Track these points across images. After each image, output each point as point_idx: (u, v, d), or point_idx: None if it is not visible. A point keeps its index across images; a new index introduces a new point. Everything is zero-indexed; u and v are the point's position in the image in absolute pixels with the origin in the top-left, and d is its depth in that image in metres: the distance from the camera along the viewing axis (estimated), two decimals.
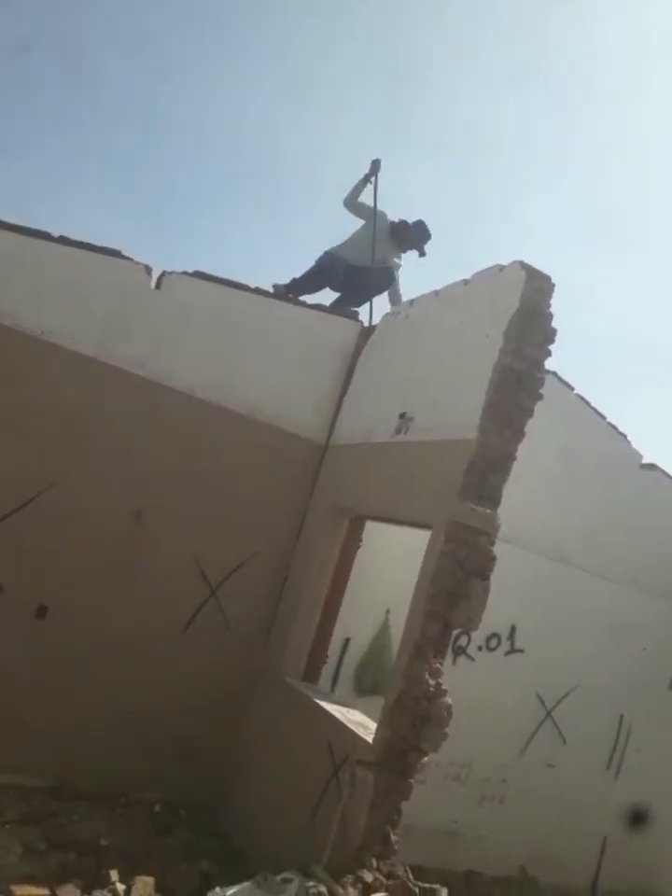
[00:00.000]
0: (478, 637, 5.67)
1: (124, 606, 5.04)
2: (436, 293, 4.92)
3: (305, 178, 22.14)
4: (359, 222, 6.88)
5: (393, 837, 3.87)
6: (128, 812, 4.86)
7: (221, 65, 19.26)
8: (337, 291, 6.90)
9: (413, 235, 6.88)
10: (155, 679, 5.12)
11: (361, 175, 6.72)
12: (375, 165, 6.70)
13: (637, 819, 5.95)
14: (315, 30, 18.59)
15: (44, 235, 4.76)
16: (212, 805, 5.21)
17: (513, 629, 6.08)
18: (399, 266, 7.00)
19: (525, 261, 4.15)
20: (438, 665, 3.99)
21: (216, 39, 17.73)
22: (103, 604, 4.98)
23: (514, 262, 4.19)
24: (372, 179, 6.70)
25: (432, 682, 3.91)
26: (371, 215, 6.76)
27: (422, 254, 6.96)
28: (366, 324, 6.12)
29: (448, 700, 3.92)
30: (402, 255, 7.01)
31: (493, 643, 6.02)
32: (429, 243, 6.91)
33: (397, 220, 6.89)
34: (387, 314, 5.90)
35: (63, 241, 4.81)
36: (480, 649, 5.91)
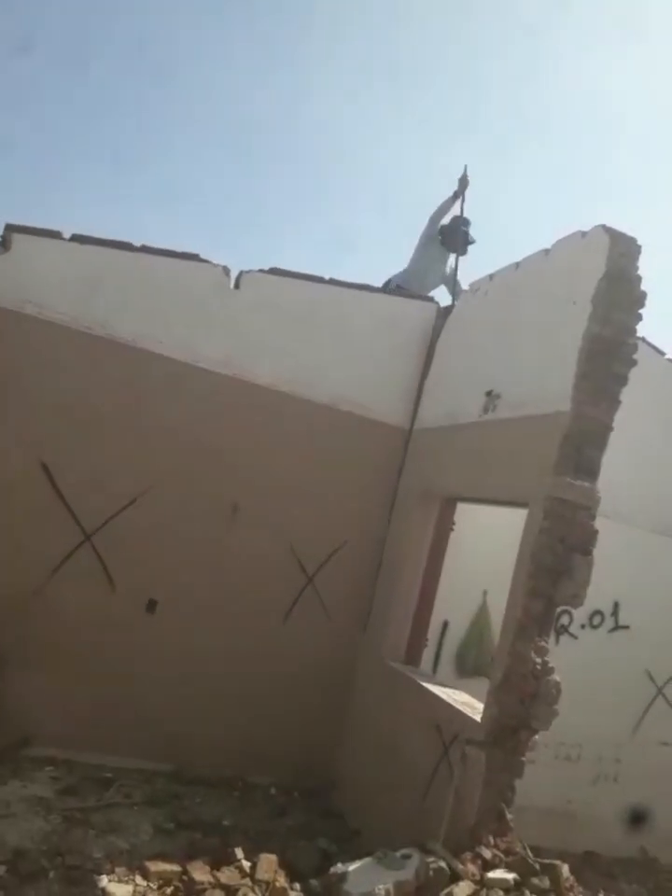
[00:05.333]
0: (580, 615, 5.55)
1: (228, 596, 5.23)
2: (516, 266, 4.82)
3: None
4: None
5: (508, 815, 3.87)
6: (245, 795, 5.05)
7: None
8: None
9: (451, 233, 6.88)
10: (260, 666, 5.30)
11: (450, 193, 6.78)
12: (463, 183, 6.72)
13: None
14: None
15: (126, 246, 4.96)
16: (323, 786, 5.35)
17: (617, 606, 5.92)
18: (454, 271, 6.97)
19: (608, 225, 4.02)
20: (543, 643, 3.94)
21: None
22: (207, 596, 5.18)
23: (597, 227, 4.06)
24: (462, 196, 6.73)
25: (539, 660, 3.87)
26: (435, 243, 6.83)
27: (466, 246, 6.92)
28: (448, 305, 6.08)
29: (556, 677, 3.87)
30: (451, 255, 7.01)
31: (596, 620, 5.88)
32: (470, 228, 6.90)
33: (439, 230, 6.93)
34: (466, 291, 5.83)
35: (145, 250, 5.00)
36: (583, 627, 5.79)
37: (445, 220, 6.94)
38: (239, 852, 3.69)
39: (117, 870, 3.61)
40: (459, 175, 6.75)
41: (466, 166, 6.74)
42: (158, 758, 5.00)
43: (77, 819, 4.11)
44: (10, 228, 4.66)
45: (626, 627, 5.94)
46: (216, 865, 3.61)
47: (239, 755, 5.21)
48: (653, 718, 6.01)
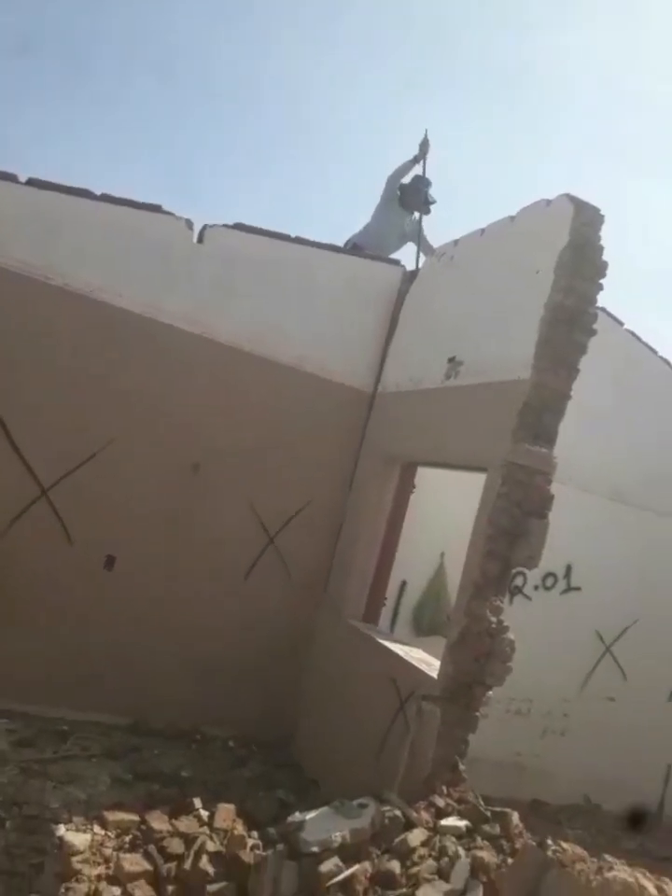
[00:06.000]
0: (534, 576, 5.73)
1: (188, 554, 5.25)
2: (481, 232, 4.84)
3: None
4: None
5: (461, 767, 4.02)
6: (203, 747, 5.13)
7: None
8: None
9: (411, 193, 6.79)
10: (221, 622, 5.35)
11: (411, 156, 6.66)
12: (424, 147, 6.62)
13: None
14: None
15: (86, 193, 4.81)
16: (281, 738, 5.47)
17: (569, 568, 6.11)
18: (416, 229, 6.83)
19: (573, 194, 4.05)
20: (499, 603, 4.07)
21: None
22: (167, 553, 5.20)
23: (561, 196, 4.09)
24: (422, 160, 6.63)
25: (494, 619, 4.00)
26: (394, 203, 6.72)
27: (427, 206, 6.81)
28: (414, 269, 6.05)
29: (511, 636, 4.01)
30: (414, 214, 6.91)
31: (549, 582, 6.07)
32: (431, 188, 6.80)
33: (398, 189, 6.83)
34: (431, 256, 5.82)
35: (106, 198, 4.85)
36: (536, 588, 5.97)
37: (406, 180, 6.86)
38: (197, 802, 3.76)
39: (75, 819, 3.65)
40: (420, 140, 6.66)
41: (426, 130, 6.64)
42: (115, 711, 5.04)
43: (34, 771, 4.12)
44: None
45: (578, 589, 6.15)
46: (174, 815, 3.67)
47: (197, 708, 5.28)
48: (600, 675, 6.26)
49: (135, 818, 3.63)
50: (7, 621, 4.75)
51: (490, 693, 4.05)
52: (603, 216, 3.95)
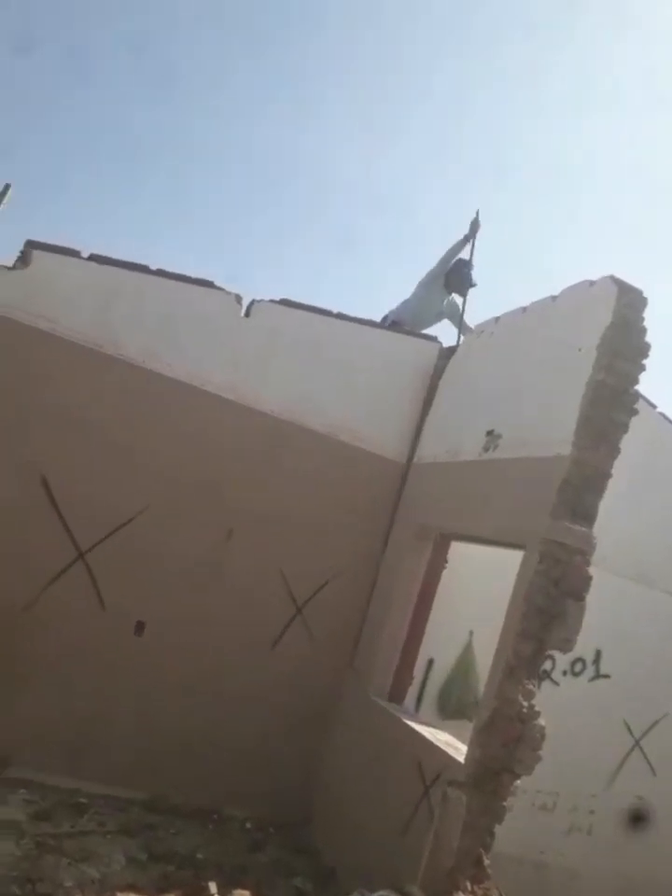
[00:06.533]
0: (562, 661, 5.56)
1: (215, 623, 5.17)
2: (523, 310, 4.95)
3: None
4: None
5: (485, 860, 3.82)
6: (220, 828, 4.93)
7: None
8: None
9: (455, 275, 6.97)
10: (243, 696, 5.22)
11: (461, 236, 6.85)
12: (474, 226, 6.83)
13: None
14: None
15: (142, 268, 5.04)
16: (299, 821, 5.23)
17: (599, 654, 5.94)
18: (453, 309, 6.99)
19: (616, 276, 4.16)
20: (531, 686, 3.94)
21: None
22: (195, 621, 5.12)
23: (605, 277, 4.19)
24: (472, 239, 6.83)
25: (525, 704, 3.87)
26: (439, 282, 6.89)
27: (467, 288, 6.96)
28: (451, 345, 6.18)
29: (542, 722, 3.86)
30: (452, 295, 7.07)
31: (577, 668, 5.89)
32: (473, 271, 6.93)
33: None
34: (471, 332, 5.95)
35: (160, 273, 5.09)
36: (564, 673, 5.79)
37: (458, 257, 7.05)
38: (213, 887, 3.62)
39: None
40: (471, 219, 6.85)
41: (477, 211, 6.84)
42: (133, 785, 4.88)
43: (49, 846, 3.98)
44: (31, 244, 4.73)
45: (607, 676, 5.96)
46: None
47: (215, 786, 5.08)
48: (630, 770, 5.98)
49: None
50: (34, 687, 4.69)
51: (518, 781, 3.88)
52: (646, 298, 4.04)
